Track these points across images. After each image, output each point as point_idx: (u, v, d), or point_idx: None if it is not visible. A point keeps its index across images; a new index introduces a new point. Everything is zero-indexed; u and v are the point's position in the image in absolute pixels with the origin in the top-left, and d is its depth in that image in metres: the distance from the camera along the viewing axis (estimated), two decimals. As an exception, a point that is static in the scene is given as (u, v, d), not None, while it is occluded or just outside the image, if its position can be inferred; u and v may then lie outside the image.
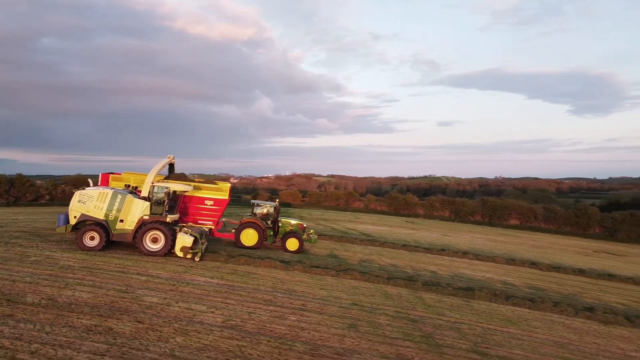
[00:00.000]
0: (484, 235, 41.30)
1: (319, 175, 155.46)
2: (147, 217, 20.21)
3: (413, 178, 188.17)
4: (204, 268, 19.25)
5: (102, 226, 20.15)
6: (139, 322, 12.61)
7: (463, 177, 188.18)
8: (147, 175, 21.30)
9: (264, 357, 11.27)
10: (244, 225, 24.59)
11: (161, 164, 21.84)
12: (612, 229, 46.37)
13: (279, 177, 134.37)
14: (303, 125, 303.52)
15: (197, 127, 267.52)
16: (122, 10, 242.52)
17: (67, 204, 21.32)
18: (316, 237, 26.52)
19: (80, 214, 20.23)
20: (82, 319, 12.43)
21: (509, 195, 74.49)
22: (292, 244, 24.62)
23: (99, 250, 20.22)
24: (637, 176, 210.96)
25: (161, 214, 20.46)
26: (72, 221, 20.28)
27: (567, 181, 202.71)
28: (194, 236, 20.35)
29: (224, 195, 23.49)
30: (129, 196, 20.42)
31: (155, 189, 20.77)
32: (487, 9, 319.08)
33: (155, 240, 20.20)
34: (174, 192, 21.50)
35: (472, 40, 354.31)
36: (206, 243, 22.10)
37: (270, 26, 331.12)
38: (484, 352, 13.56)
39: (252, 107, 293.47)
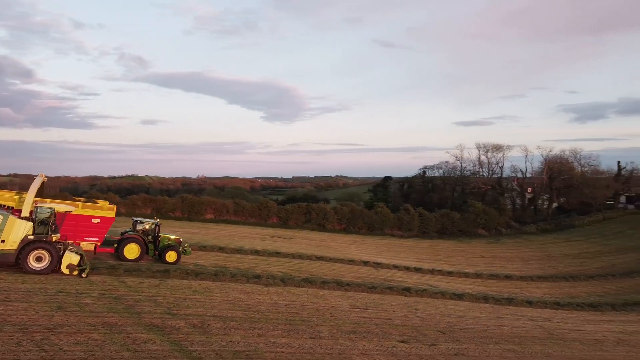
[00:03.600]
0: (182, 229, 45.58)
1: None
2: (31, 237, 20.41)
3: (114, 177, 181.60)
4: None
5: None
6: None
7: (167, 176, 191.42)
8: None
9: (-26, 340, 12.55)
10: (127, 240, 25.97)
11: (37, 183, 22.18)
12: (285, 218, 57.34)
13: None
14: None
15: None
16: None
17: None
18: (190, 249, 28.63)
19: None
20: None
21: (209, 193, 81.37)
22: (171, 256, 26.69)
23: None
24: (312, 175, 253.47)
25: (46, 234, 20.82)
26: None
27: (260, 180, 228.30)
28: (79, 254, 21.16)
29: (111, 214, 25.01)
30: (12, 217, 20.45)
31: (39, 209, 21.02)
32: (192, 13, 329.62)
33: (39, 259, 20.53)
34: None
35: (179, 42, 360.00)
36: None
37: None
38: (174, 313, 17.57)
39: None
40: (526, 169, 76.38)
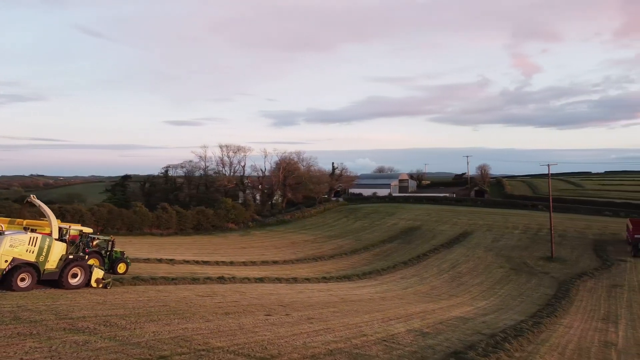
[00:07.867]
0: None
1: None
2: (72, 256, 22.86)
3: None
4: None
5: (34, 267, 21.19)
6: None
7: None
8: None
9: None
10: (88, 256, 26.15)
11: (42, 204, 23.84)
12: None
13: None
14: None
15: None
16: None
17: None
18: (129, 260, 30.79)
19: (12, 257, 20.62)
20: None
21: None
22: (122, 267, 29.23)
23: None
24: None
25: (78, 253, 23.75)
26: (3, 265, 20.39)
27: None
28: (102, 269, 24.43)
29: (74, 232, 25.47)
30: (53, 239, 22.24)
31: (69, 232, 23.80)
32: None
33: (74, 276, 22.70)
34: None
35: None
36: None
37: None
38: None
39: None
40: (265, 168, 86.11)
